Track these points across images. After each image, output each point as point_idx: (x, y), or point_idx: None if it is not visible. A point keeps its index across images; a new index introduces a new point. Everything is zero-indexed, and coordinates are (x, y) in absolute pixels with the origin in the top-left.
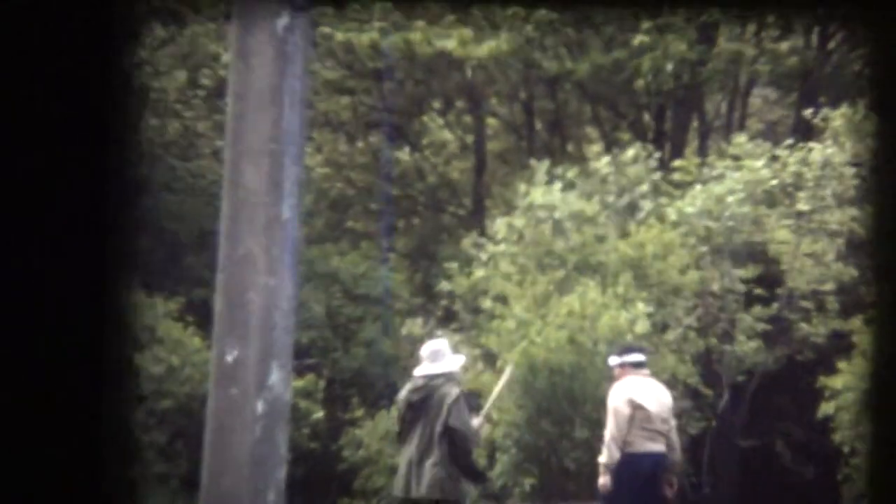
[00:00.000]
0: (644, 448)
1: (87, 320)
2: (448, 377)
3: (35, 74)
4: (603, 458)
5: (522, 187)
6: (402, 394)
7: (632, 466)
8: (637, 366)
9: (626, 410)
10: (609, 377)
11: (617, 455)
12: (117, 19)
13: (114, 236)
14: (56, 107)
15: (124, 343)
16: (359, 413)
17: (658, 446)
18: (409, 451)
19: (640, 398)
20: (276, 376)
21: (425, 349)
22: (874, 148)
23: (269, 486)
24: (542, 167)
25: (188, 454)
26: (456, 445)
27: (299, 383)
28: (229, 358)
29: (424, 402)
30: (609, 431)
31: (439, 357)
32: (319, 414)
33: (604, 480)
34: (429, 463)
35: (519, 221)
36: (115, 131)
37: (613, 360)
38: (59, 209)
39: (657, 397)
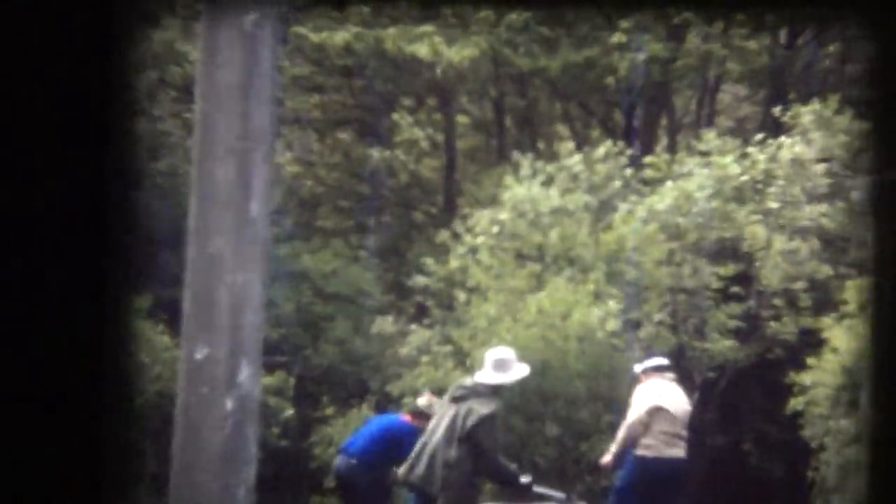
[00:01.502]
0: (663, 453)
1: (87, 320)
2: (496, 390)
3: (35, 74)
4: (612, 446)
5: (508, 180)
6: (453, 386)
7: (650, 471)
8: (659, 369)
9: (643, 411)
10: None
11: (622, 442)
12: (117, 19)
13: (113, 236)
14: (56, 107)
15: (123, 342)
16: (329, 411)
17: (677, 451)
18: (431, 438)
19: (661, 400)
20: (245, 374)
21: (491, 355)
22: (849, 143)
23: (239, 483)
24: (526, 161)
25: (157, 452)
26: (481, 458)
27: (269, 381)
28: (199, 356)
29: (461, 401)
30: (624, 424)
31: (504, 367)
32: (290, 411)
33: (604, 461)
34: (442, 461)
35: (502, 214)
36: (114, 131)
37: (637, 367)
38: (59, 209)
39: (678, 401)
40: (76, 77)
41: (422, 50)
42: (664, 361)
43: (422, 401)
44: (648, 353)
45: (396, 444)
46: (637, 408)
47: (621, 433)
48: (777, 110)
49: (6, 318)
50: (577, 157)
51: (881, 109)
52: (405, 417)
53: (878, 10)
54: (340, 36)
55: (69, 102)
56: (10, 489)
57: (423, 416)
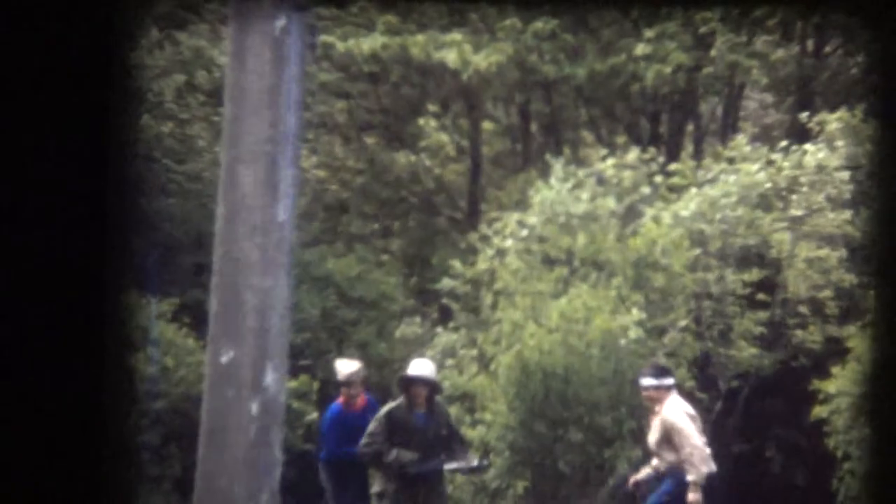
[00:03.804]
0: (712, 468)
1: (87, 320)
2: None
3: (35, 74)
4: (692, 477)
5: (537, 183)
6: None
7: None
8: (671, 388)
9: (696, 428)
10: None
11: (706, 470)
12: (117, 20)
13: (113, 236)
14: (56, 107)
15: (123, 342)
16: None
17: (713, 465)
18: None
19: (693, 414)
20: (270, 378)
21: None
22: (873, 151)
23: (264, 487)
24: (558, 164)
25: (182, 455)
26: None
27: (293, 384)
28: (224, 359)
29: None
30: (692, 447)
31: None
32: (313, 415)
33: (695, 498)
34: None
35: (531, 218)
36: (115, 131)
37: (649, 381)
38: (59, 209)
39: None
40: (76, 77)
41: (449, 57)
42: (674, 381)
43: (339, 376)
44: (658, 370)
45: (338, 427)
46: (690, 426)
47: (700, 458)
48: (804, 117)
49: (6, 318)
50: (609, 162)
51: (882, 111)
52: (337, 401)
53: (879, 10)
54: (368, 44)
55: (69, 102)
56: (10, 489)
57: (346, 387)
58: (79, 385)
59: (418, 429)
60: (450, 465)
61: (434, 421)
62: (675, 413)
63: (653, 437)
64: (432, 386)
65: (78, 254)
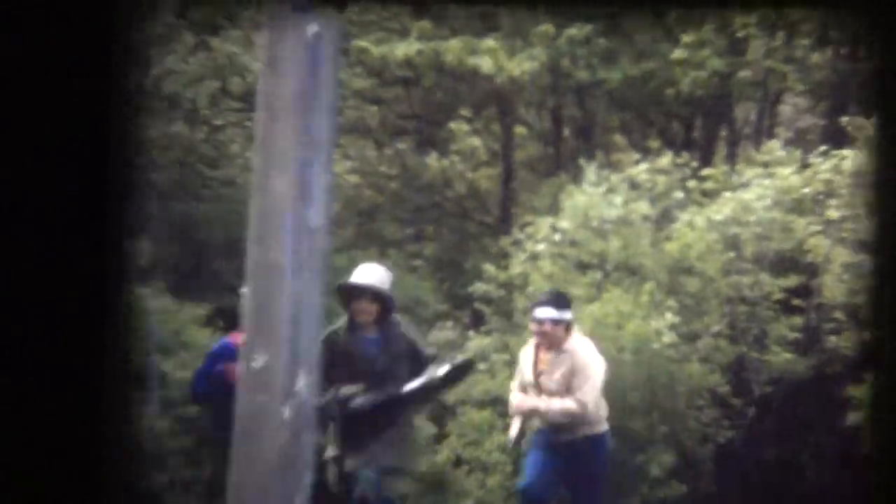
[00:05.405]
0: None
1: (88, 320)
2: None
3: (35, 74)
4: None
5: (569, 188)
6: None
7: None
8: (571, 324)
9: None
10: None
11: (603, 429)
12: (118, 19)
13: (113, 238)
14: (55, 106)
15: (125, 343)
16: None
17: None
18: None
19: None
20: (302, 382)
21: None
22: (878, 153)
23: (296, 491)
24: (590, 169)
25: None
26: None
27: None
28: (256, 364)
29: None
30: (594, 399)
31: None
32: None
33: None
34: None
35: (564, 222)
36: (115, 131)
37: (547, 313)
38: (59, 209)
39: None
40: (76, 76)
41: (483, 63)
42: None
43: None
44: (562, 301)
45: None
46: (601, 376)
47: (592, 406)
48: (844, 121)
49: (5, 318)
50: (643, 167)
51: (884, 112)
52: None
53: (879, 10)
54: (402, 49)
55: (69, 102)
56: (8, 490)
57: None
58: (78, 386)
59: (365, 359)
60: (409, 387)
61: (388, 347)
62: (591, 355)
63: (550, 378)
64: (383, 299)
65: (77, 254)
